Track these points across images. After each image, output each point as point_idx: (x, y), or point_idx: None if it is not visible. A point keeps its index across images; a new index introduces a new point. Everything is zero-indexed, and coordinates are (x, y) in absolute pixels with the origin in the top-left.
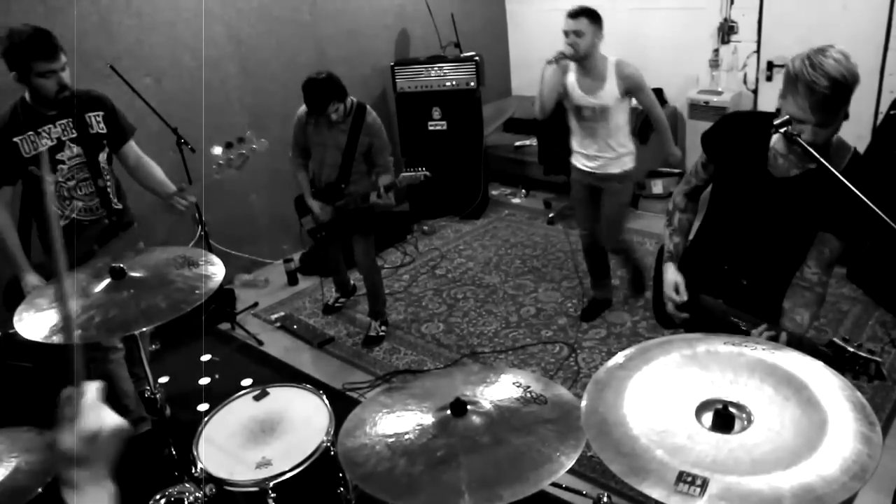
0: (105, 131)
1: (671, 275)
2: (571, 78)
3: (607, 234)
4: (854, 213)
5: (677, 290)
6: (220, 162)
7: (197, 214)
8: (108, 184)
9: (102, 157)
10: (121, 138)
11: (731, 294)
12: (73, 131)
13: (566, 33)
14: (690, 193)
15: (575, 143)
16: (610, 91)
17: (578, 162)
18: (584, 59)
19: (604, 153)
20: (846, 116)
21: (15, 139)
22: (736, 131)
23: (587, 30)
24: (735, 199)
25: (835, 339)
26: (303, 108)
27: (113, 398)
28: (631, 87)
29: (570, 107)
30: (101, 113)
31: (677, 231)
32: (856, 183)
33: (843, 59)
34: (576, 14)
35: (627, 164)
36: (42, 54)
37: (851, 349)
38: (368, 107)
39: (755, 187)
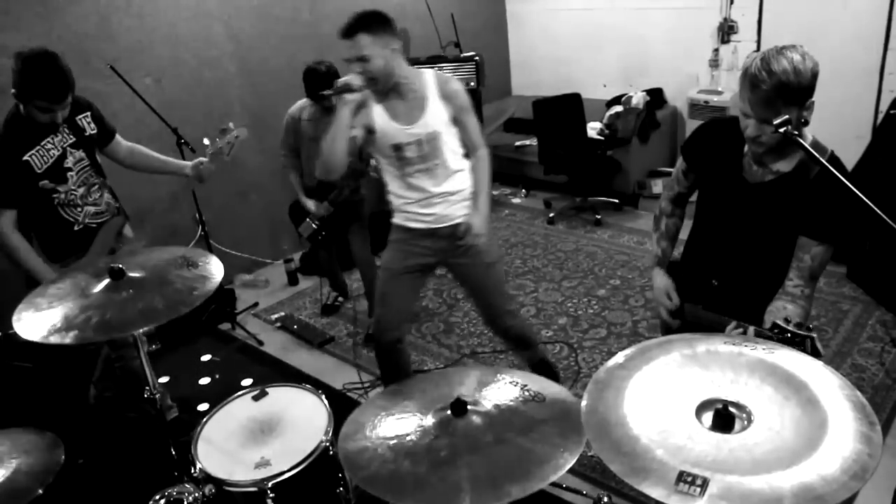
0: (96, 131)
1: (660, 280)
2: (377, 110)
3: (491, 312)
4: (830, 215)
5: (669, 296)
6: (213, 151)
7: (197, 214)
8: (108, 183)
9: (98, 157)
10: (108, 135)
11: (710, 298)
12: (71, 136)
13: (347, 61)
14: (675, 199)
15: (395, 198)
16: (435, 112)
17: (407, 219)
18: (386, 83)
19: (450, 199)
20: (805, 122)
21: (25, 157)
22: (713, 139)
23: (373, 49)
24: (714, 206)
25: (777, 321)
26: (295, 107)
27: (140, 393)
28: (455, 109)
29: (383, 152)
30: (88, 114)
31: (664, 235)
32: (831, 184)
33: (799, 61)
34: (349, 31)
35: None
36: (48, 97)
37: (791, 328)
38: None
39: (732, 193)
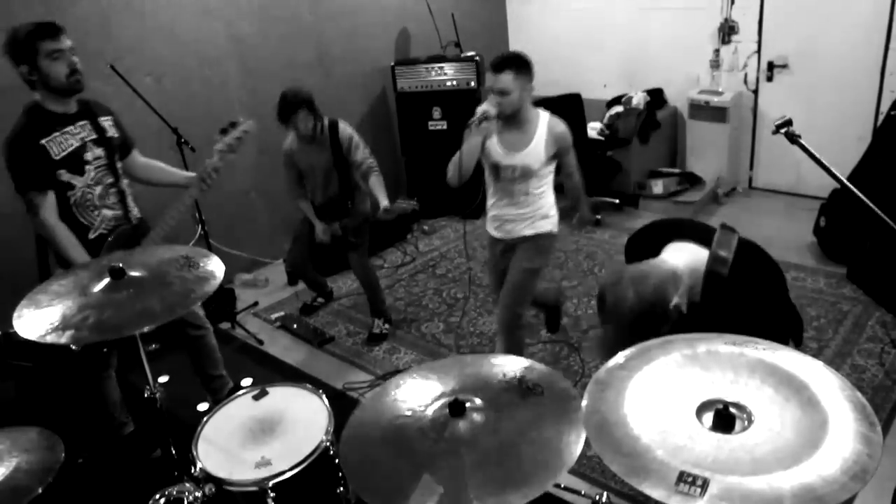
0: (117, 136)
1: None
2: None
3: (503, 300)
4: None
5: None
6: (221, 148)
7: (197, 214)
8: (126, 189)
9: (118, 162)
10: (128, 146)
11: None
12: (93, 132)
13: (490, 91)
14: None
15: (489, 204)
16: (535, 151)
17: (493, 226)
18: (511, 115)
19: (520, 219)
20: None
21: (42, 142)
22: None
23: (514, 86)
24: None
25: None
26: (286, 143)
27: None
28: (561, 150)
29: (487, 164)
30: (110, 118)
31: None
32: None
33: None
34: (499, 67)
35: (542, 227)
36: (46, 33)
37: None
38: (340, 121)
39: None
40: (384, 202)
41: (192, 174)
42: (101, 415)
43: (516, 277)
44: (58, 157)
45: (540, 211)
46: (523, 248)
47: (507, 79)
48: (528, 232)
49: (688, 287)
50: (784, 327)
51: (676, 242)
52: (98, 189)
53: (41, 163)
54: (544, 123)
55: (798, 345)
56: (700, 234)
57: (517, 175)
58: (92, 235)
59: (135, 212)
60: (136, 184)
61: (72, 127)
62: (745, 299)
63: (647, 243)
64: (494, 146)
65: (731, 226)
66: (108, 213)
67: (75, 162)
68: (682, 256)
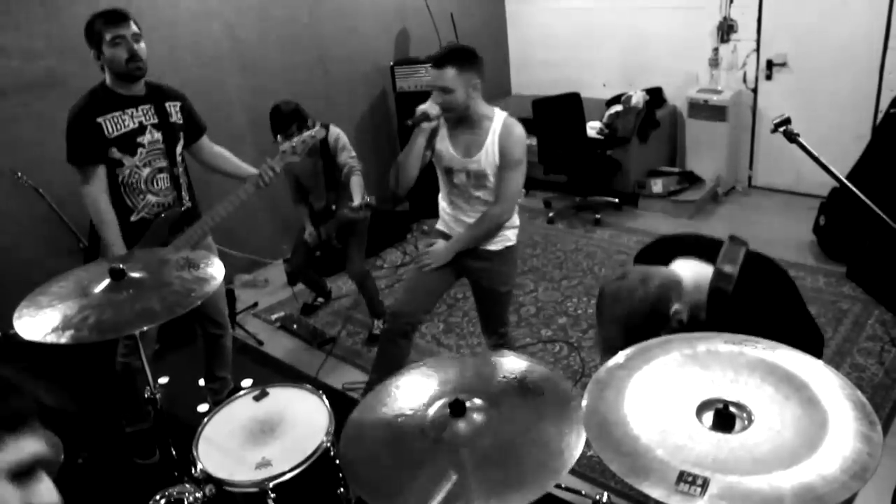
0: (182, 122)
1: None
2: (443, 134)
3: (485, 323)
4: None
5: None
6: (285, 150)
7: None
8: (182, 177)
9: (179, 148)
10: (197, 132)
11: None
12: (155, 117)
13: (431, 88)
14: None
15: (441, 206)
16: (488, 156)
17: (445, 226)
18: (460, 115)
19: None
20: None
21: (98, 119)
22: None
23: (457, 83)
24: None
25: None
26: None
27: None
28: (502, 161)
29: (439, 168)
30: (178, 104)
31: None
32: None
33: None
34: (440, 62)
35: (509, 238)
36: (110, 20)
37: None
38: (332, 125)
39: None
40: (354, 202)
41: (253, 170)
42: (129, 404)
43: (496, 304)
44: (111, 136)
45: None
46: (490, 270)
47: (448, 75)
48: (493, 247)
49: (692, 300)
50: (797, 345)
51: (682, 259)
52: (146, 171)
53: (94, 138)
54: (499, 126)
55: None
56: (707, 250)
57: (471, 181)
58: (134, 218)
59: (186, 199)
60: (200, 172)
61: (133, 109)
62: (751, 317)
63: (655, 259)
64: (446, 149)
65: (740, 238)
66: (152, 198)
67: (128, 142)
68: (687, 273)
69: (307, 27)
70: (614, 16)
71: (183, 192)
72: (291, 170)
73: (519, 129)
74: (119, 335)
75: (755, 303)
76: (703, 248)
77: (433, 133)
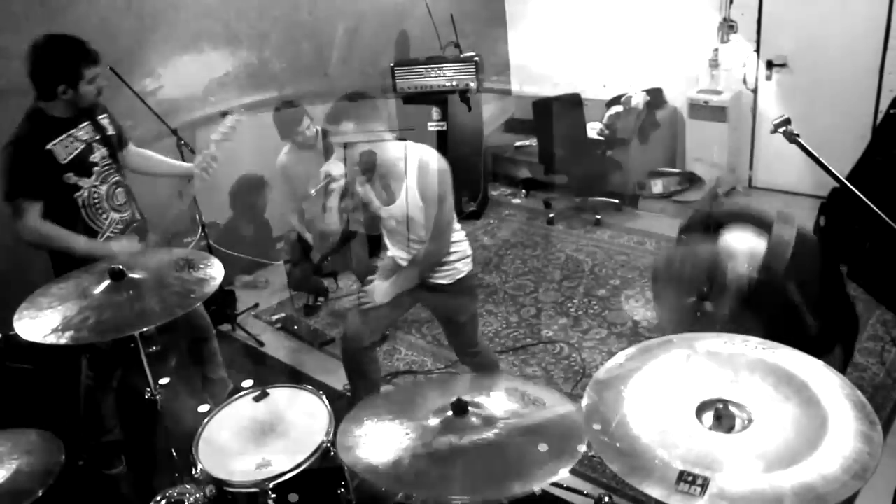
0: (114, 133)
1: None
2: (362, 184)
3: (455, 347)
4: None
5: None
6: (218, 138)
7: (197, 216)
8: (130, 188)
9: (120, 159)
10: (123, 140)
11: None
12: (96, 133)
13: (335, 144)
14: None
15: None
16: (410, 198)
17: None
18: (369, 166)
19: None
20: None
21: (48, 146)
22: None
23: (354, 136)
24: None
25: None
26: (280, 157)
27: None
28: (426, 202)
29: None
30: (106, 115)
31: None
32: None
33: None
34: (335, 119)
35: (460, 270)
36: (92, 59)
37: None
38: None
39: None
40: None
41: (189, 164)
42: (91, 419)
43: (460, 332)
44: (65, 161)
45: (451, 256)
46: (446, 301)
47: (345, 129)
48: (444, 280)
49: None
50: (831, 329)
51: (733, 230)
52: (104, 188)
53: (45, 168)
54: (413, 168)
55: (848, 356)
56: (757, 222)
57: (401, 225)
58: (100, 240)
59: (136, 212)
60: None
61: (75, 130)
62: (791, 295)
63: (704, 230)
64: (370, 197)
65: (787, 214)
66: (115, 215)
67: (82, 164)
68: (742, 243)
69: (307, 27)
70: (615, 16)
71: (136, 205)
72: (290, 177)
73: (435, 165)
74: (119, 335)
75: (797, 281)
76: (752, 219)
77: (347, 191)
